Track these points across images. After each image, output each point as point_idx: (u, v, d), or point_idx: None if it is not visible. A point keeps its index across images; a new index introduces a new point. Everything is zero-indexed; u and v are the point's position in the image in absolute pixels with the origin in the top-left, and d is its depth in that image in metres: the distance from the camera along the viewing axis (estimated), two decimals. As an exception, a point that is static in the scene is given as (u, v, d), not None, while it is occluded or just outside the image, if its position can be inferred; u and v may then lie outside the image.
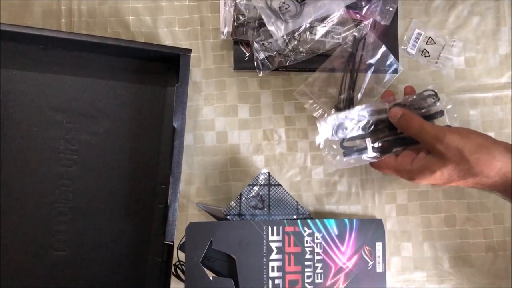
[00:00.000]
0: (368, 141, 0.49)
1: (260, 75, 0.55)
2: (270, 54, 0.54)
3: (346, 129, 0.49)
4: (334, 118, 0.49)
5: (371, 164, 0.51)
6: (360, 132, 0.50)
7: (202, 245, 0.49)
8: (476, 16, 0.57)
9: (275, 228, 0.50)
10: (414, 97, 0.51)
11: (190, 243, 0.49)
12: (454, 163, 0.43)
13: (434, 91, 0.51)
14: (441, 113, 0.50)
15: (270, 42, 0.54)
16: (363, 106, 0.50)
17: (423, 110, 0.50)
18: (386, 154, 0.50)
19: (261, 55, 0.54)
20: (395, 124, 0.49)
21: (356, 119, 0.49)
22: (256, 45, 0.54)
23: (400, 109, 0.49)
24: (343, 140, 0.50)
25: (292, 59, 0.54)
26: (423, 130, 0.46)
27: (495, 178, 0.42)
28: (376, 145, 0.49)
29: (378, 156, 0.49)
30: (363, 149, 0.49)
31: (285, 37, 0.53)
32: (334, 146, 0.51)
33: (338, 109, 0.56)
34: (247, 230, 0.50)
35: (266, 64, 0.55)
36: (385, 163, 0.49)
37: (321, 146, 0.50)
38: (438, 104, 0.51)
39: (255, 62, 0.55)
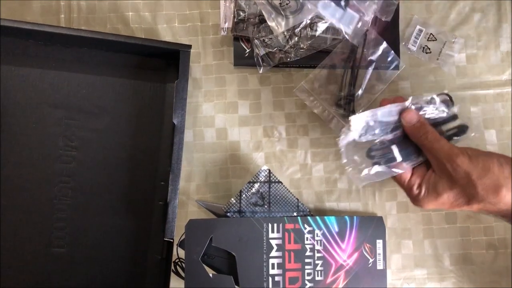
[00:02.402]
0: (395, 148, 0.45)
1: (261, 72, 0.55)
2: (270, 50, 0.54)
3: (375, 131, 0.45)
4: (367, 115, 0.45)
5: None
6: (384, 136, 0.46)
7: (202, 242, 0.49)
8: (477, 13, 0.57)
9: (275, 225, 0.50)
10: (428, 99, 0.46)
11: (190, 240, 0.49)
12: (460, 186, 0.41)
13: (448, 96, 0.47)
14: (454, 117, 0.47)
15: (271, 38, 0.53)
16: (394, 104, 0.45)
17: (435, 115, 0.46)
18: (414, 162, 0.45)
19: (262, 52, 0.54)
20: (407, 129, 0.45)
21: (386, 119, 0.45)
22: (256, 41, 0.53)
23: (416, 113, 0.45)
24: (369, 149, 0.46)
25: (292, 55, 0.54)
26: (437, 145, 0.43)
27: (499, 205, 0.41)
28: (403, 153, 0.45)
29: (406, 165, 0.45)
30: (391, 158, 0.45)
31: (285, 33, 0.53)
32: (356, 158, 0.46)
33: (339, 106, 0.55)
34: (247, 227, 0.50)
35: (267, 61, 0.54)
36: (399, 178, 0.46)
37: (343, 160, 0.46)
38: (452, 108, 0.47)
39: (255, 59, 0.54)
